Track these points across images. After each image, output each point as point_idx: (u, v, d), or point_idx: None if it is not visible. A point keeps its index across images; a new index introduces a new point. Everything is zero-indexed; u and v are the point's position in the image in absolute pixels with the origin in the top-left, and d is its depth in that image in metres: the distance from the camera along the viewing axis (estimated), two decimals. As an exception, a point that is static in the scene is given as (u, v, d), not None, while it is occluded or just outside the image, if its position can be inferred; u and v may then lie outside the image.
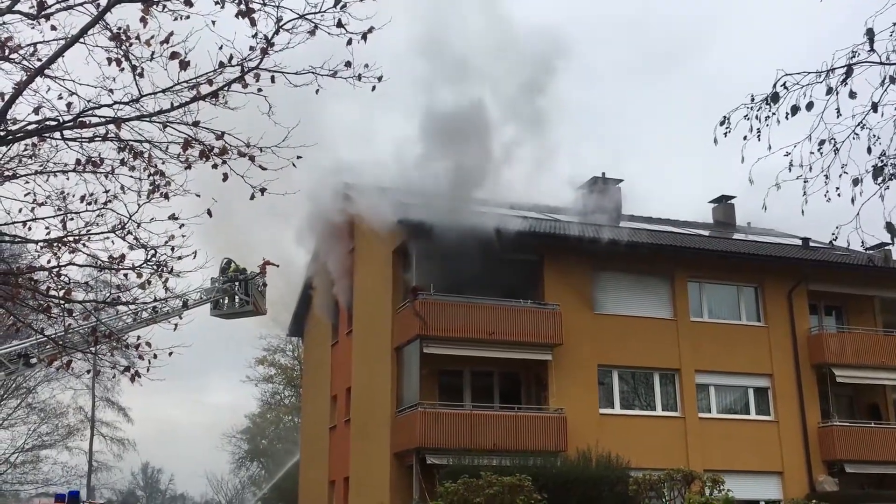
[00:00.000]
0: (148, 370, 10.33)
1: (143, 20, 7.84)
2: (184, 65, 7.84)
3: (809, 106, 6.22)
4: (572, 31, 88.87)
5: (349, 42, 7.74)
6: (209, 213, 9.06)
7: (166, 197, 9.13)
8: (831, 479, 26.38)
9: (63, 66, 8.50)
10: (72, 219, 9.83)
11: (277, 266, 27.84)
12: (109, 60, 8.13)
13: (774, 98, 6.30)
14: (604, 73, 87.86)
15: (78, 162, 9.19)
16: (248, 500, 56.11)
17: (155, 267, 9.69)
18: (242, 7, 7.63)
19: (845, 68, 6.14)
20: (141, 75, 8.09)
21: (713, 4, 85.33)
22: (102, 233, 9.68)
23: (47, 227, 9.80)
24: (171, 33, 7.82)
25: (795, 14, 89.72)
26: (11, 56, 8.67)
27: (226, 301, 26.75)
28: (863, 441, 26.96)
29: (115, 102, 8.27)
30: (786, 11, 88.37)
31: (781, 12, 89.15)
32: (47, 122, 8.59)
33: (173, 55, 7.83)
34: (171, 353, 10.29)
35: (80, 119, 8.36)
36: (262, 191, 8.65)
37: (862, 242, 6.57)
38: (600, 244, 25.90)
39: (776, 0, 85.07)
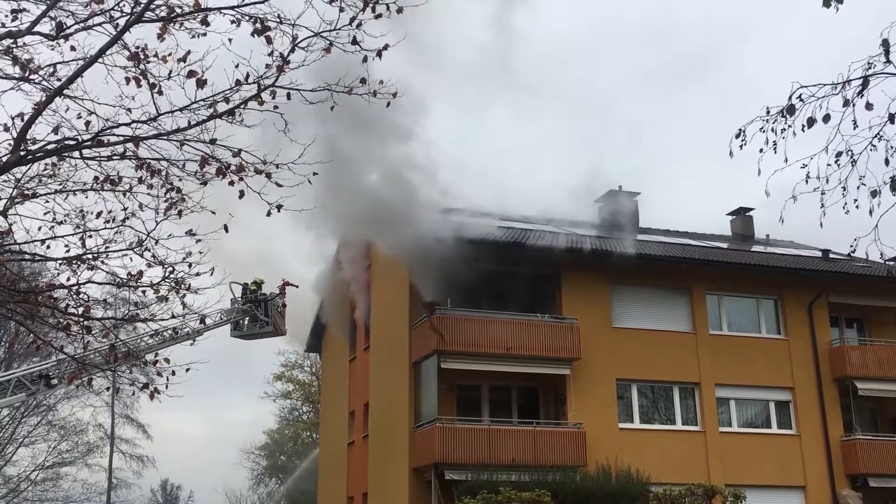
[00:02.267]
0: (167, 387, 10.40)
1: (161, 37, 7.93)
2: (201, 83, 7.91)
3: (826, 118, 6.19)
4: (592, 41, 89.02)
5: (364, 59, 7.79)
6: (226, 228, 9.12)
7: (180, 214, 9.20)
8: (855, 493, 26.06)
9: (82, 86, 8.61)
10: (90, 236, 9.92)
11: (297, 287, 27.99)
12: (128, 79, 8.22)
13: (790, 110, 6.27)
14: (622, 83, 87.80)
15: (96, 180, 9.28)
16: None
17: (173, 283, 9.77)
18: (258, 26, 7.70)
19: (861, 80, 6.11)
20: (160, 93, 8.17)
21: (736, 15, 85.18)
22: (121, 250, 9.77)
23: (66, 246, 9.91)
24: (189, 52, 7.90)
25: (816, 25, 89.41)
26: (31, 77, 8.78)
27: (245, 322, 26.82)
28: (886, 454, 26.62)
29: (133, 121, 8.36)
30: (806, 23, 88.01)
31: (802, 24, 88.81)
32: (66, 142, 8.68)
33: (190, 73, 7.91)
34: (188, 370, 10.36)
35: (99, 138, 8.44)
36: (279, 207, 8.70)
37: (881, 254, 6.52)
38: (618, 257, 25.83)
39: (797, 12, 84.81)
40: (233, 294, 26.26)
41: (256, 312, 26.36)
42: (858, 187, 6.40)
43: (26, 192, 9.95)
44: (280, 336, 28.23)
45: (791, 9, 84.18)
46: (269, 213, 8.67)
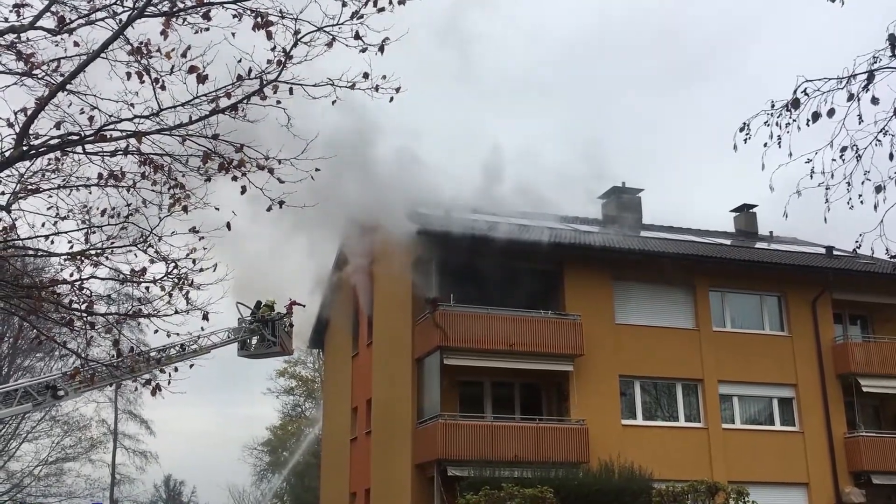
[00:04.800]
0: (169, 383, 10.40)
1: (164, 33, 7.91)
2: (201, 78, 7.89)
3: (831, 112, 6.15)
4: (603, 40, 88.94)
5: (363, 50, 7.76)
6: (228, 226, 9.10)
7: (185, 210, 9.18)
8: (858, 490, 26.02)
9: (85, 81, 8.59)
10: (94, 232, 9.91)
11: (304, 306, 28.17)
12: (129, 74, 8.20)
13: (795, 104, 6.23)
14: (630, 81, 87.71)
15: (100, 176, 9.27)
16: None
17: (176, 280, 9.75)
18: (259, 20, 7.68)
19: (866, 74, 6.07)
20: (163, 88, 8.15)
21: (745, 15, 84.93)
22: (124, 246, 9.76)
23: (70, 241, 9.89)
24: (189, 47, 7.88)
25: (826, 23, 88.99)
26: (34, 72, 8.77)
27: (253, 341, 26.90)
28: (890, 451, 26.57)
29: (136, 116, 8.34)
30: (816, 21, 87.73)
31: (812, 22, 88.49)
32: (69, 137, 8.67)
33: (191, 69, 7.88)
34: (191, 366, 10.36)
35: (102, 133, 8.43)
36: (281, 203, 8.68)
37: (886, 250, 6.49)
38: (621, 253, 25.80)
39: (807, 11, 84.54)
40: (240, 314, 26.34)
41: (264, 332, 26.42)
42: (863, 182, 6.36)
43: (30, 187, 9.94)
44: (287, 355, 28.40)
45: (801, 7, 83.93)
46: (269, 209, 8.66)
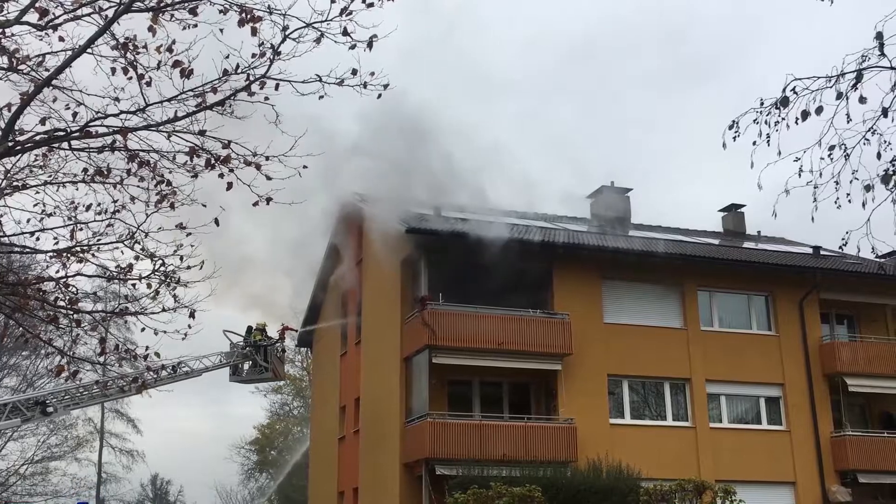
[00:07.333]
0: (155, 382, 10.34)
1: (152, 29, 7.85)
2: (185, 72, 7.84)
3: (819, 111, 6.15)
4: (605, 40, 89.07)
5: (353, 47, 7.73)
6: (216, 221, 9.05)
7: (172, 206, 9.13)
8: (844, 489, 26.15)
9: (70, 77, 8.53)
10: (80, 229, 9.85)
11: (296, 331, 28.09)
12: (114, 70, 8.14)
13: (784, 102, 6.23)
14: (626, 83, 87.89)
15: (86, 172, 9.20)
16: None
17: (163, 277, 9.70)
18: (245, 15, 7.63)
19: (855, 73, 6.07)
20: (148, 84, 8.09)
21: (744, 20, 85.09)
22: (111, 243, 9.70)
23: (56, 238, 9.83)
24: (174, 41, 7.83)
25: (827, 28, 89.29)
26: (19, 67, 8.69)
27: (245, 367, 26.79)
28: (876, 450, 26.71)
29: (122, 112, 8.28)
30: (816, 26, 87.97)
31: (812, 28, 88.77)
32: (55, 133, 8.60)
33: (175, 63, 7.83)
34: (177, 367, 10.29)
35: (88, 129, 8.36)
36: (268, 200, 8.64)
37: (873, 249, 6.49)
38: (610, 253, 25.83)
39: (808, 16, 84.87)
40: (230, 341, 26.21)
41: (256, 358, 26.31)
42: (851, 181, 6.37)
43: (15, 183, 9.87)
44: (278, 381, 28.40)
45: (801, 12, 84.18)
46: (255, 204, 8.62)
